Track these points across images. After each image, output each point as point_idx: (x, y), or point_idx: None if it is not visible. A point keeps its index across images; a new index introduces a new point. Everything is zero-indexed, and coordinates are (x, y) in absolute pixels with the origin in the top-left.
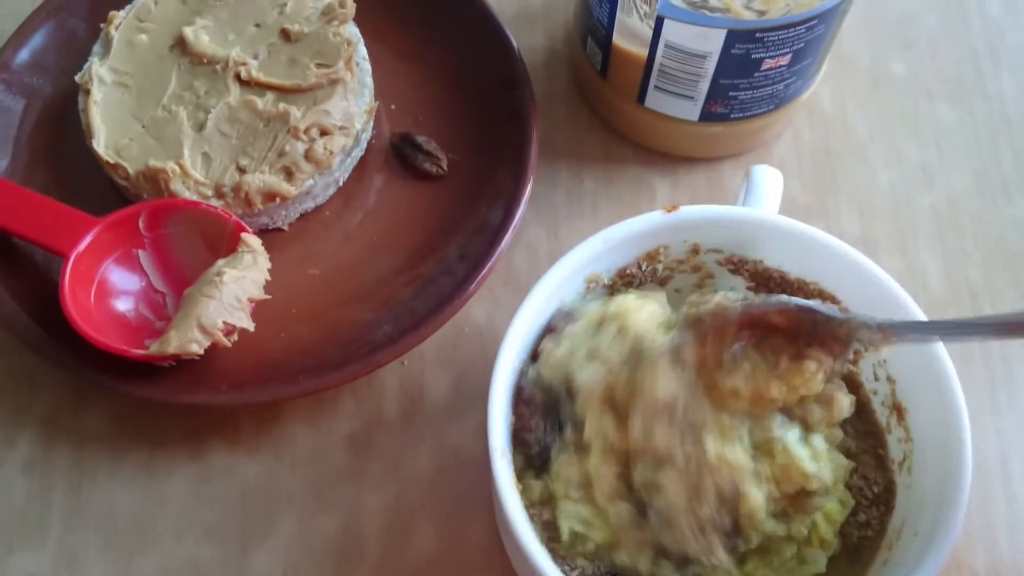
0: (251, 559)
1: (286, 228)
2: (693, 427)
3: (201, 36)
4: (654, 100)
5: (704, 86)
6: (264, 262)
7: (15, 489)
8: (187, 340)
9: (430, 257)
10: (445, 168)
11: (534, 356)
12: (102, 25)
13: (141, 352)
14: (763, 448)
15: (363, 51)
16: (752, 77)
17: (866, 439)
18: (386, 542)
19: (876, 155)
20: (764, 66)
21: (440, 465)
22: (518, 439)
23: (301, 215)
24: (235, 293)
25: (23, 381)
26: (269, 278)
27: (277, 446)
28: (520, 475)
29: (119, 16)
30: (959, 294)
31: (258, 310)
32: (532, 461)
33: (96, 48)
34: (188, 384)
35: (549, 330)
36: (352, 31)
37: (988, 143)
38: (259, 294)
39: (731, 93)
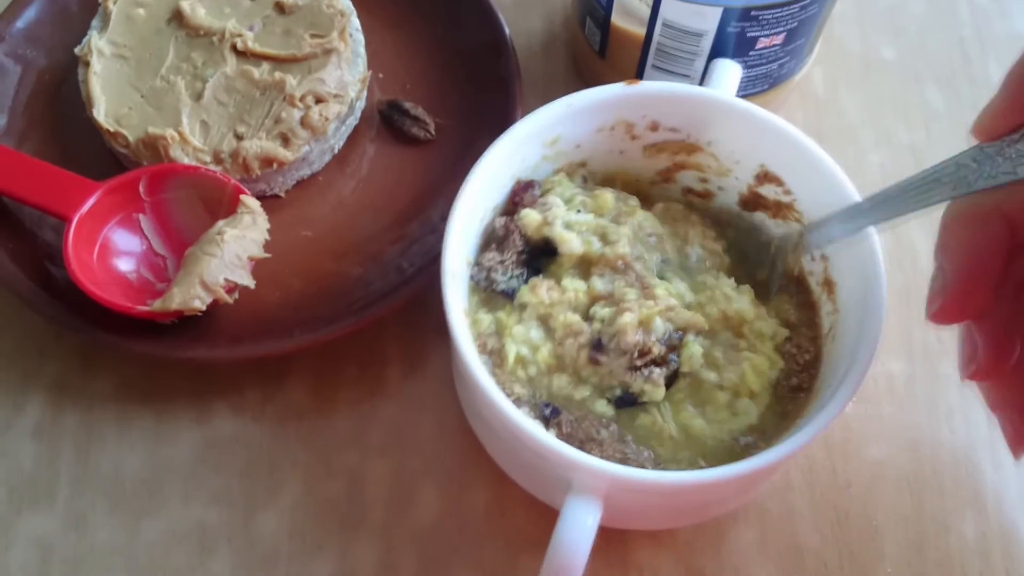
0: (257, 522)
1: (283, 195)
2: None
3: (197, 9)
4: (652, 78)
5: (700, 64)
6: (263, 222)
7: (24, 453)
8: (190, 296)
9: (416, 218)
10: (433, 132)
11: (505, 211)
12: (99, 0)
13: (145, 308)
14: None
15: (356, 22)
16: (747, 56)
17: (803, 311)
18: (389, 506)
19: (867, 137)
20: (759, 45)
21: (442, 430)
22: (487, 278)
23: (297, 182)
24: (236, 251)
25: (31, 348)
26: (268, 237)
27: (282, 412)
28: (473, 312)
29: None
30: None
31: (255, 270)
32: (489, 300)
33: (95, 22)
34: (189, 340)
35: (516, 194)
36: (345, 3)
37: None
38: (259, 252)
39: None
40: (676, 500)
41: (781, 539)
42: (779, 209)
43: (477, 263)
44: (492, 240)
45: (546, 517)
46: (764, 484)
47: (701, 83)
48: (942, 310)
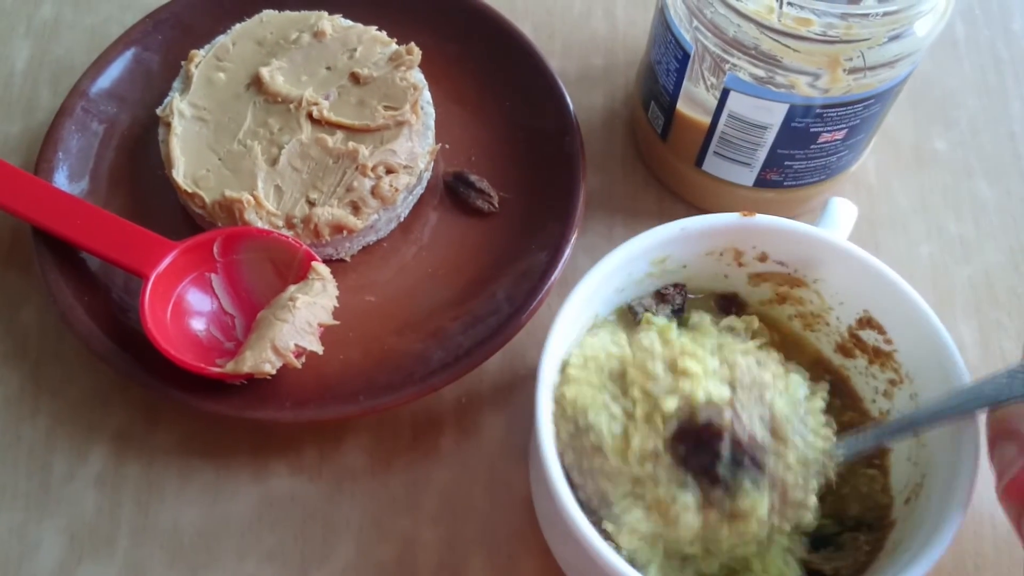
0: None
1: (348, 259)
2: None
3: (276, 76)
4: (712, 165)
5: (762, 155)
6: (333, 289)
7: (87, 502)
8: (261, 360)
9: (479, 294)
10: (496, 205)
11: None
12: (182, 62)
13: (217, 369)
14: None
15: (427, 96)
16: (808, 149)
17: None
18: (439, 573)
19: (917, 227)
20: (821, 139)
21: (494, 502)
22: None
23: (362, 247)
24: (307, 318)
25: (97, 399)
26: (337, 304)
27: (338, 474)
28: None
29: (199, 55)
30: (994, 363)
31: (322, 335)
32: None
33: (176, 84)
34: (256, 401)
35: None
36: (418, 76)
37: (1023, 220)
38: (328, 319)
39: (787, 163)
40: None
41: None
42: (877, 355)
43: None
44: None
45: None
46: None
47: (803, 219)
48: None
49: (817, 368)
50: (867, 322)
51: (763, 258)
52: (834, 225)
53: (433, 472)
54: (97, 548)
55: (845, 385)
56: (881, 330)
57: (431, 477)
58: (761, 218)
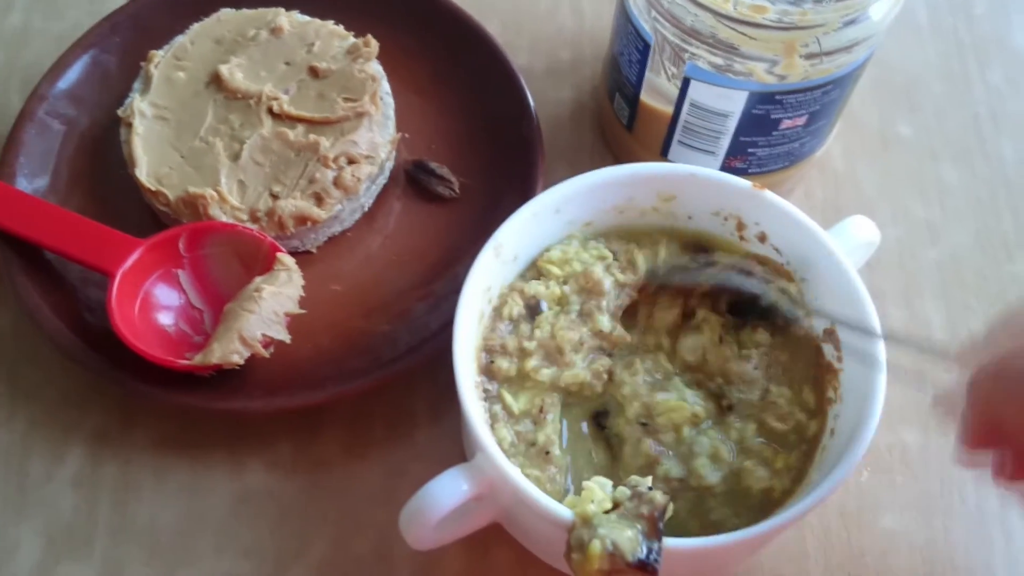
0: None
1: (314, 251)
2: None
3: (235, 73)
4: (677, 154)
5: (725, 142)
6: (298, 279)
7: (64, 503)
8: (229, 351)
9: (443, 276)
10: (457, 191)
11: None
12: (142, 63)
13: (186, 362)
14: None
15: (386, 86)
16: (770, 136)
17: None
18: (415, 565)
19: (883, 211)
20: (782, 125)
21: None
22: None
23: (328, 238)
24: (273, 308)
25: (73, 401)
26: (303, 294)
27: (313, 468)
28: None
29: (158, 55)
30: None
31: (289, 324)
32: None
33: (136, 84)
34: (226, 392)
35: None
36: (376, 67)
37: (989, 203)
38: (295, 308)
39: (750, 150)
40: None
41: None
42: (829, 370)
43: None
44: None
45: None
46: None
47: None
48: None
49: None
50: (830, 335)
51: (762, 238)
52: (844, 239)
53: (409, 464)
54: (75, 548)
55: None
56: (838, 347)
57: (407, 469)
58: (771, 194)
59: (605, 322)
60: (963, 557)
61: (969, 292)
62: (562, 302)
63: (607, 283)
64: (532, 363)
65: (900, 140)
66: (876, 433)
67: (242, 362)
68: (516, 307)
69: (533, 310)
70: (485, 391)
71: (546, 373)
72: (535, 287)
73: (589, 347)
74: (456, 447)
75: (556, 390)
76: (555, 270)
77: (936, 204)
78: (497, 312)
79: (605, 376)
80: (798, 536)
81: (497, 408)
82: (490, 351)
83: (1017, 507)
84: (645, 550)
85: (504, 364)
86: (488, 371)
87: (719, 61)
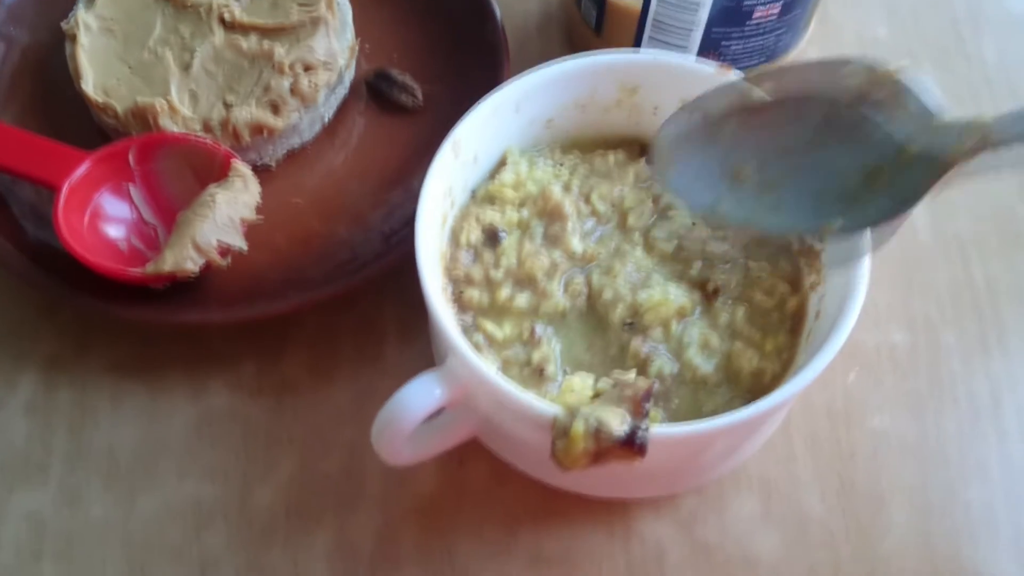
0: (253, 497)
1: (273, 166)
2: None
3: None
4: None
5: (697, 36)
6: (255, 186)
7: (17, 431)
8: (183, 258)
9: (399, 184)
10: (420, 99)
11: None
12: None
13: (138, 271)
14: None
15: None
16: (744, 27)
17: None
18: (387, 481)
19: None
20: (756, 15)
21: None
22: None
23: (288, 153)
24: (228, 214)
25: (24, 327)
26: (260, 200)
27: (278, 388)
28: None
29: None
30: (946, 246)
31: (247, 235)
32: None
33: None
34: (182, 305)
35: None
36: None
37: (970, 102)
38: (251, 215)
39: (723, 43)
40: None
41: (785, 509)
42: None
43: None
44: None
45: (546, 490)
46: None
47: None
48: None
49: None
50: None
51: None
52: None
53: (378, 382)
54: (30, 476)
55: None
56: None
57: (376, 387)
58: (739, 75)
59: (576, 243)
60: (956, 455)
61: (953, 190)
62: (523, 226)
63: (567, 205)
64: (505, 292)
65: (877, 42)
66: (864, 333)
67: (196, 270)
68: (474, 233)
69: (493, 239)
70: (460, 321)
71: (522, 299)
72: (491, 214)
73: (563, 269)
74: (426, 362)
75: (538, 316)
76: (509, 192)
77: None
78: (455, 237)
79: (585, 290)
80: (785, 438)
81: (479, 338)
82: (455, 281)
83: (1010, 404)
84: (631, 426)
85: (475, 295)
86: (460, 302)
87: None
